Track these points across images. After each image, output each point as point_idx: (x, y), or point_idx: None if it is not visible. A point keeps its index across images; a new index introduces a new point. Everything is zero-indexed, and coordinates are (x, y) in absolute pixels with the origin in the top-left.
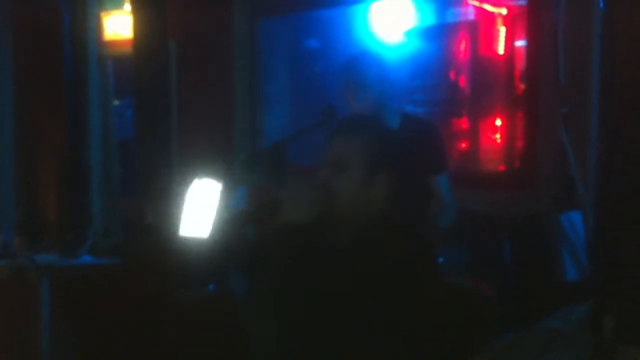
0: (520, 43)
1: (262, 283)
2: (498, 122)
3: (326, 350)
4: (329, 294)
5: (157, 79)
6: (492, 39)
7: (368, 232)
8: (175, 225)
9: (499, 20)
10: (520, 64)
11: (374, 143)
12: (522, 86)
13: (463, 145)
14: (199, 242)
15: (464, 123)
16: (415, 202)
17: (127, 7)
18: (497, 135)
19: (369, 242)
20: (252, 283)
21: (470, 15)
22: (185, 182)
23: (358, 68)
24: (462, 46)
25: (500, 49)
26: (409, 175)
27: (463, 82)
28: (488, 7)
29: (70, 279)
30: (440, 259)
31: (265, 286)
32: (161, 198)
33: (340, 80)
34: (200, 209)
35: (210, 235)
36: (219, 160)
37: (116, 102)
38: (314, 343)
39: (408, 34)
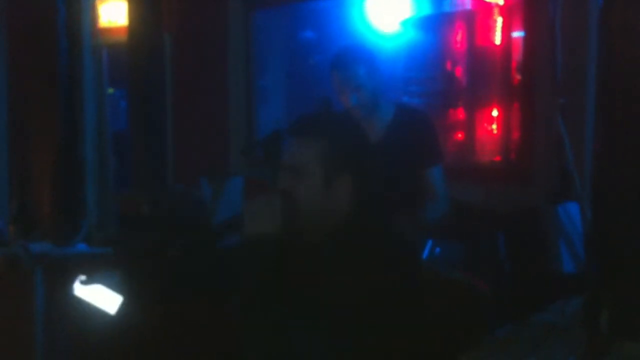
0: (517, 34)
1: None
2: (494, 113)
3: (322, 331)
4: (304, 302)
5: (151, 69)
6: (489, 29)
7: (335, 238)
8: None
9: (496, 11)
10: (517, 54)
11: (331, 144)
12: (518, 77)
13: (459, 136)
14: None
15: (460, 114)
16: (398, 197)
17: None
18: (494, 126)
19: (337, 249)
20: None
21: (467, 5)
22: None
23: (348, 69)
24: (459, 36)
25: (497, 40)
26: (390, 170)
27: (459, 72)
28: None
29: (64, 268)
30: (438, 250)
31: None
32: (156, 189)
33: (330, 77)
34: None
35: None
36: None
37: (110, 91)
38: (296, 350)
39: (404, 24)
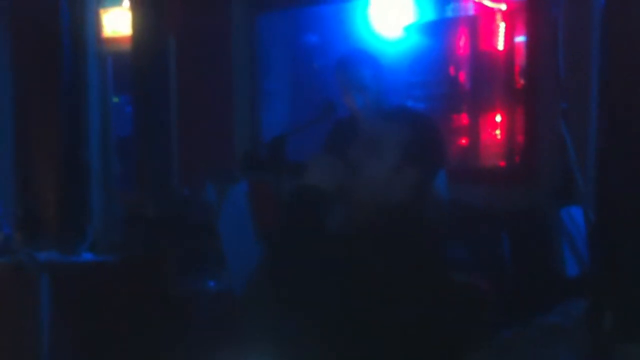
0: (520, 38)
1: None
2: (498, 118)
3: (325, 331)
4: (336, 273)
5: (156, 75)
6: (492, 34)
7: (386, 220)
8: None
9: (499, 16)
10: (520, 59)
11: (413, 136)
12: (521, 81)
13: (463, 141)
14: None
15: (464, 119)
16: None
17: (126, 3)
18: (498, 131)
19: (385, 231)
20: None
21: (470, 10)
22: None
23: (353, 70)
24: (462, 41)
25: (500, 45)
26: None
27: (463, 77)
28: (488, 2)
29: (70, 276)
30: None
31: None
32: (161, 193)
33: (335, 80)
34: None
35: None
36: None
37: (115, 99)
38: (317, 321)
39: (408, 29)
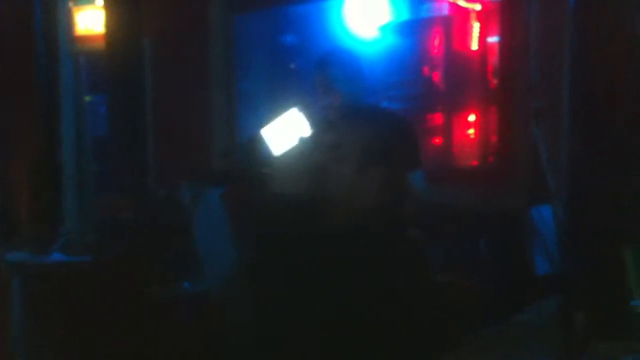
0: (493, 39)
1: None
2: (472, 118)
3: (304, 331)
4: (312, 276)
5: (131, 75)
6: (466, 34)
7: (358, 220)
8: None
9: (473, 16)
10: (494, 59)
11: (376, 136)
12: (495, 81)
13: (437, 140)
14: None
15: (438, 118)
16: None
17: (99, 1)
18: (471, 131)
19: (357, 230)
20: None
21: (445, 10)
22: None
23: (325, 70)
24: (436, 42)
25: (474, 45)
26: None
27: (437, 77)
28: (462, 2)
29: (41, 277)
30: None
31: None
32: (136, 195)
33: (311, 80)
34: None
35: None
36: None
37: (88, 99)
38: (296, 321)
39: (382, 29)
